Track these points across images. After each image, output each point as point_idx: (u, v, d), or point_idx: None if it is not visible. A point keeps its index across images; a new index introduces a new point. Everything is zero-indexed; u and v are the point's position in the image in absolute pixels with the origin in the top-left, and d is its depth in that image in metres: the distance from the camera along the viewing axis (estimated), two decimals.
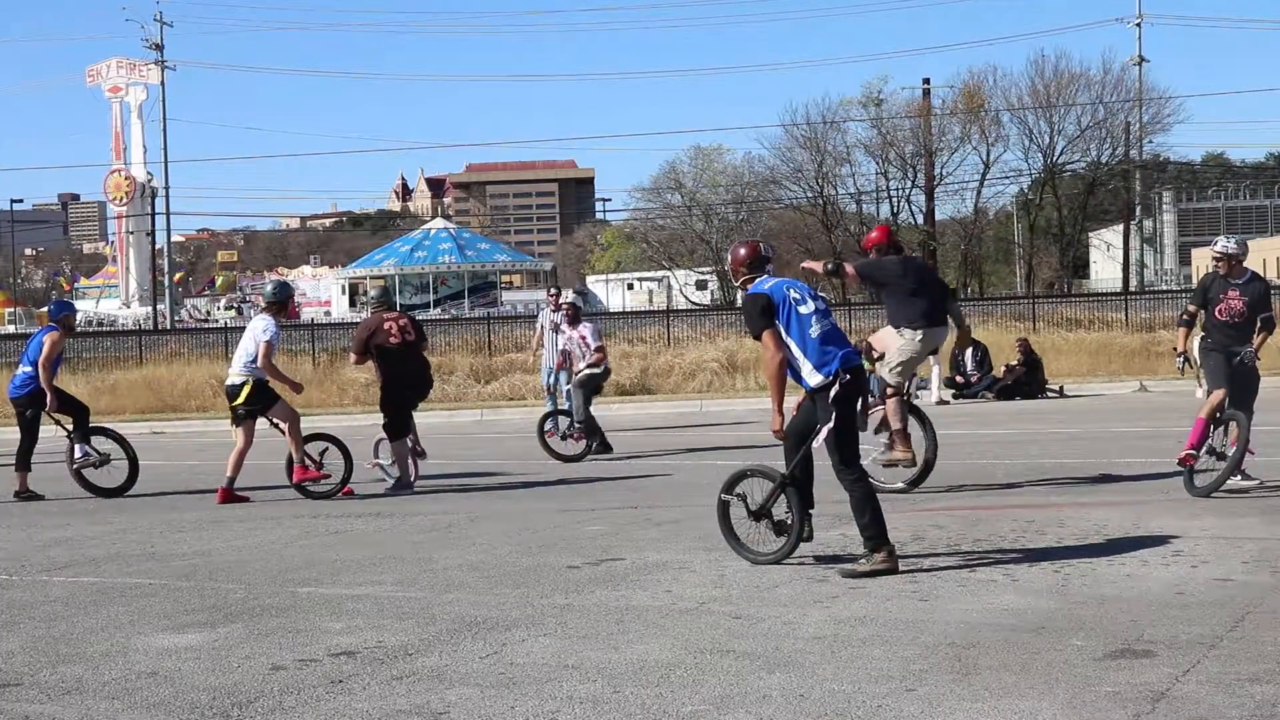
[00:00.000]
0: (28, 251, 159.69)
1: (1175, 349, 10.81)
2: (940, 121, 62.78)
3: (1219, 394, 10.48)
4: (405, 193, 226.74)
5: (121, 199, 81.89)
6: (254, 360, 12.51)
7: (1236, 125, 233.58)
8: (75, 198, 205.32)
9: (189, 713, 5.32)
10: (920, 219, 63.79)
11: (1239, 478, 10.51)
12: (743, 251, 8.20)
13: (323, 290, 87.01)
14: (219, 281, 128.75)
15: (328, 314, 71.08)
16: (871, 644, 6.01)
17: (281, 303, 13.05)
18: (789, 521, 7.99)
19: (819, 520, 9.80)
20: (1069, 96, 61.95)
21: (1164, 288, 60.90)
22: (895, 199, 63.43)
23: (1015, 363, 24.29)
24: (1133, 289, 54.89)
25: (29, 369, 13.68)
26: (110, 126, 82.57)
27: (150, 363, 31.22)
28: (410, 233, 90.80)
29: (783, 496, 7.99)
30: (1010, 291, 62.79)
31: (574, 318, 16.65)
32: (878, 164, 62.83)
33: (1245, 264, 10.67)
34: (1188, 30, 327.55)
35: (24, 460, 13.75)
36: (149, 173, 78.26)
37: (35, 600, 7.79)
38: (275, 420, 12.72)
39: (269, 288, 13.54)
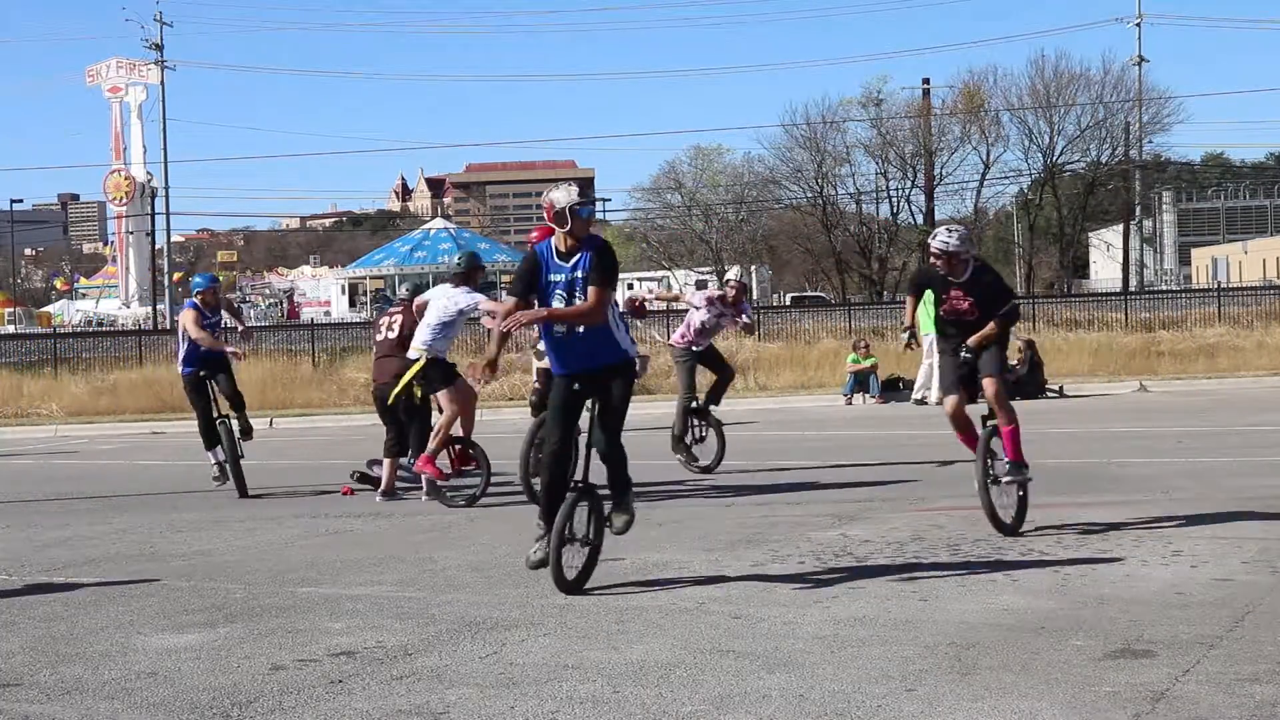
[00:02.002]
0: (28, 251, 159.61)
1: (903, 323, 9.84)
2: (940, 121, 62.83)
3: (951, 402, 9.40)
4: (405, 193, 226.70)
5: (121, 199, 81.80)
6: (433, 338, 11.83)
7: (1236, 125, 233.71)
8: (75, 198, 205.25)
9: (189, 713, 5.32)
10: (920, 219, 63.79)
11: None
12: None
13: (323, 290, 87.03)
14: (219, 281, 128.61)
15: (327, 314, 71.12)
16: (871, 644, 6.01)
17: (468, 273, 12.07)
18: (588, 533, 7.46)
19: (819, 520, 9.83)
20: (1069, 96, 62.00)
21: (1164, 288, 60.91)
22: (895, 199, 63.50)
23: (1015, 363, 24.29)
24: (1133, 289, 54.91)
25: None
26: (110, 126, 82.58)
27: (150, 363, 31.19)
28: (410, 233, 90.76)
29: (583, 503, 7.41)
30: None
31: (738, 299, 14.29)
32: (878, 164, 62.89)
33: (968, 259, 9.34)
34: (1188, 30, 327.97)
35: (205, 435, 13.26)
36: (149, 173, 78.20)
37: (35, 600, 7.79)
38: (439, 401, 12.13)
39: (459, 258, 12.47)
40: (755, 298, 65.21)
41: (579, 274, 7.30)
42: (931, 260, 9.51)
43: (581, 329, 7.31)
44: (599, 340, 7.39)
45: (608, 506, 7.57)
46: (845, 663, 5.71)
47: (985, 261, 9.75)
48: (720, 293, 14.01)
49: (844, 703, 5.14)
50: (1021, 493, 9.05)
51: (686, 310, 14.57)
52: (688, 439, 13.63)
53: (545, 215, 7.38)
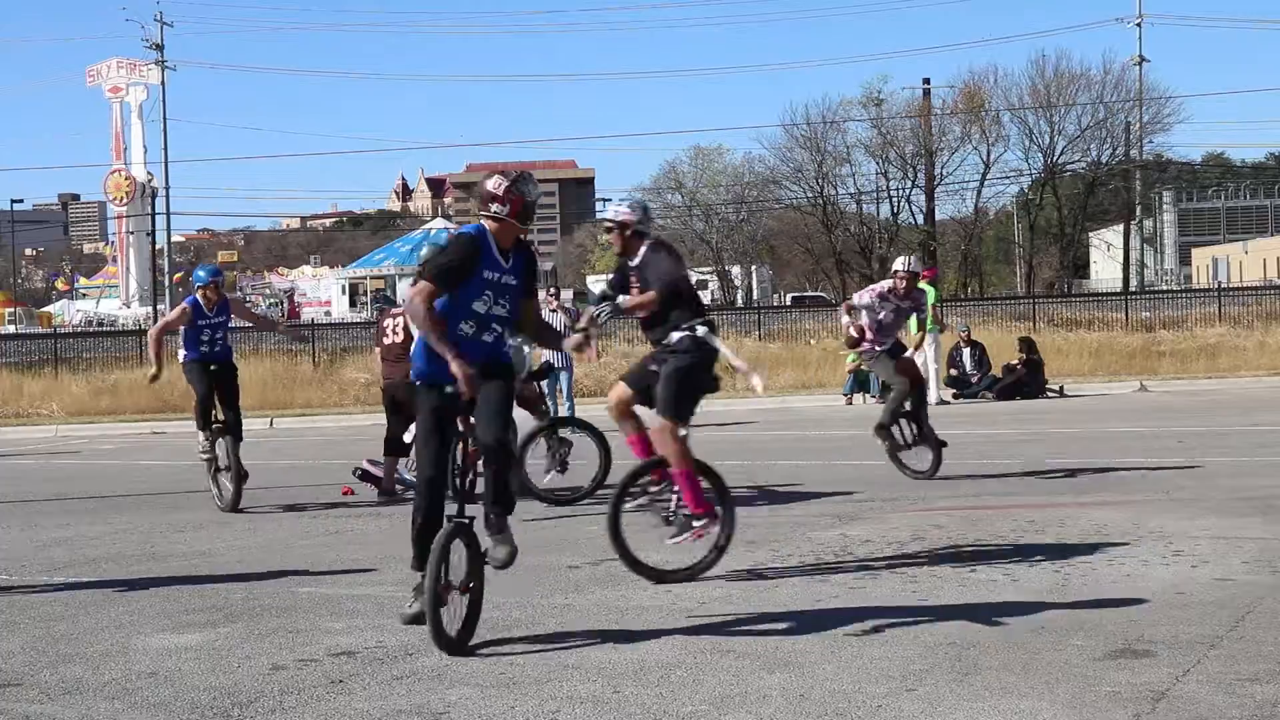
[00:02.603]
0: (28, 251, 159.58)
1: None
2: (940, 121, 62.87)
3: (614, 390, 8.27)
4: (405, 193, 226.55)
5: (121, 199, 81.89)
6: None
7: (1236, 125, 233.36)
8: (75, 198, 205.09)
9: (189, 713, 5.32)
10: (920, 219, 63.86)
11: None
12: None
13: (323, 290, 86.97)
14: None
15: (328, 314, 71.00)
16: (871, 644, 6.01)
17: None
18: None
19: (819, 520, 9.83)
20: (1069, 96, 62.04)
21: (1164, 288, 60.92)
22: (895, 199, 63.56)
23: (1016, 363, 24.30)
24: (1133, 289, 54.90)
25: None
26: (110, 126, 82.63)
27: (150, 363, 31.18)
28: (410, 233, 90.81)
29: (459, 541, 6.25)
30: (1010, 291, 62.81)
31: (910, 289, 12.70)
32: (878, 164, 62.94)
33: (643, 232, 8.11)
34: (1188, 30, 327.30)
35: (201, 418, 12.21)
36: (149, 173, 78.29)
37: (35, 600, 7.79)
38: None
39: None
40: (755, 298, 65.42)
41: (512, 280, 6.40)
42: (608, 240, 8.34)
43: (490, 339, 6.40)
44: (498, 347, 6.50)
45: (485, 542, 6.34)
46: (845, 663, 5.71)
47: (664, 241, 8.40)
48: (889, 285, 12.59)
49: (844, 703, 5.14)
50: (713, 554, 7.69)
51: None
52: (898, 435, 12.33)
53: (510, 209, 6.32)
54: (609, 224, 8.15)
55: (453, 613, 6.12)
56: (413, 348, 6.53)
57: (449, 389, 6.19)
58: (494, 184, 6.36)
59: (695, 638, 6.26)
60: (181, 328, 12.23)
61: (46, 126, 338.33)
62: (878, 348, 12.47)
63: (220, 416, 12.18)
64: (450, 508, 6.28)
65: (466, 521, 6.21)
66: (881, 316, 12.40)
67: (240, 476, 11.86)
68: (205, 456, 12.25)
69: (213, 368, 12.18)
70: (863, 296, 12.65)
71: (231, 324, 12.70)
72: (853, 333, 12.53)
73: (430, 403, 6.31)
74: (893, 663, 5.68)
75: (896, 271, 12.64)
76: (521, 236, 6.44)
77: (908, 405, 12.24)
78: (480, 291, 6.31)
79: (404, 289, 12.64)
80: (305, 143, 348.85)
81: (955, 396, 23.81)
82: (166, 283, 74.38)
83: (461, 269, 6.28)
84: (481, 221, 6.39)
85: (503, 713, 5.18)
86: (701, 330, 7.89)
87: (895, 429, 12.28)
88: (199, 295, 12.18)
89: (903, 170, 62.78)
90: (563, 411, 19.83)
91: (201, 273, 12.56)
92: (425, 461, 6.32)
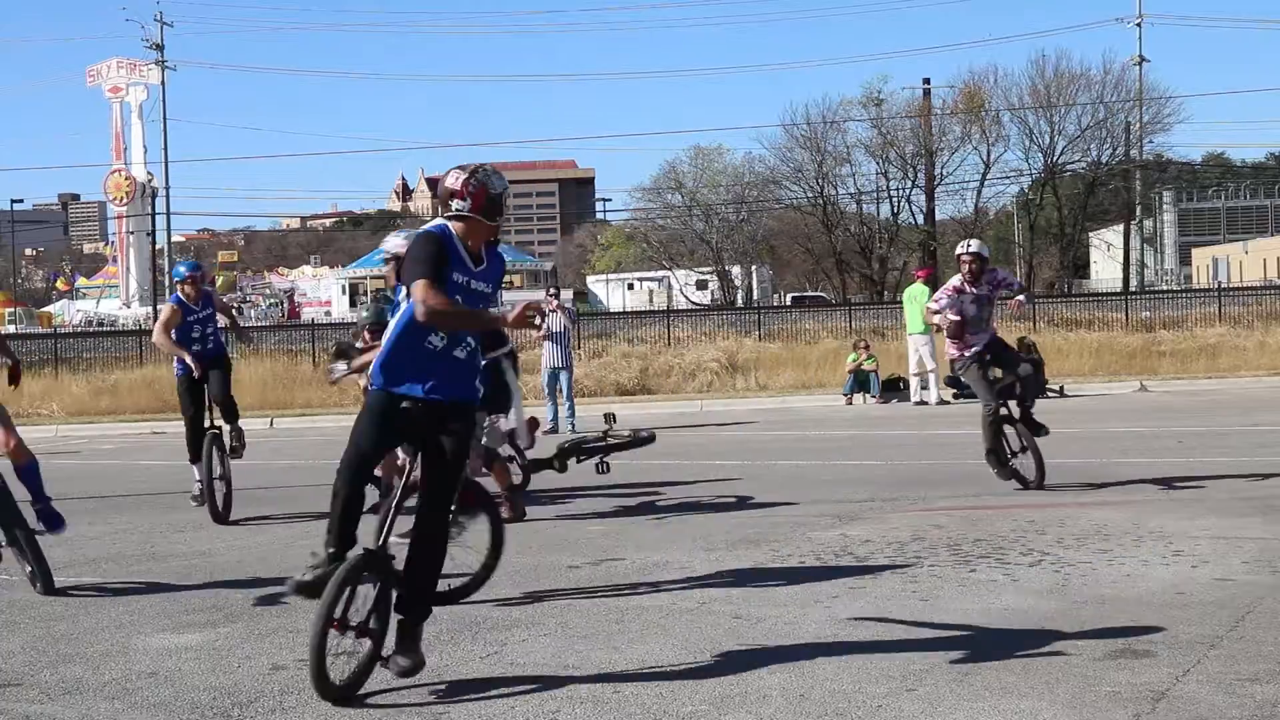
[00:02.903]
0: (28, 251, 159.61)
1: None
2: (940, 121, 62.84)
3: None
4: (405, 193, 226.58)
5: (122, 199, 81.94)
6: None
7: (1236, 125, 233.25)
8: (75, 198, 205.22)
9: (189, 713, 5.32)
10: (920, 219, 63.85)
11: None
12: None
13: (323, 290, 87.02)
14: (219, 281, 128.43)
15: (328, 314, 71.10)
16: (871, 644, 6.01)
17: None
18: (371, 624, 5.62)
19: (819, 520, 9.82)
20: (1069, 96, 62.03)
21: (1164, 288, 60.90)
22: (895, 199, 63.52)
23: None
24: (1133, 289, 54.89)
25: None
26: (110, 126, 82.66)
27: (150, 363, 31.19)
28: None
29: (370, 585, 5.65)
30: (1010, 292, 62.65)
31: (979, 273, 11.78)
32: (878, 164, 62.91)
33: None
34: (1188, 30, 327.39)
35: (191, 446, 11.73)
36: (149, 173, 78.36)
37: (35, 600, 7.79)
38: None
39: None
40: (755, 298, 65.45)
41: (484, 286, 5.80)
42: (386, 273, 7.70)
43: (463, 355, 5.80)
44: (472, 366, 5.86)
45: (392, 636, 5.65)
46: (845, 663, 5.71)
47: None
48: (958, 279, 11.70)
49: (844, 703, 5.14)
50: (482, 573, 7.09)
51: None
52: (1005, 455, 11.45)
53: (473, 203, 5.69)
54: (386, 256, 8.12)
55: (344, 656, 5.48)
56: (374, 363, 6.00)
57: (405, 404, 5.75)
58: (453, 179, 5.76)
59: (695, 638, 6.26)
60: (173, 330, 11.70)
61: (46, 126, 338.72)
62: (967, 353, 11.59)
63: (218, 422, 11.65)
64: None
65: (386, 556, 5.67)
66: (964, 312, 11.56)
67: (228, 477, 11.36)
68: (196, 505, 11.49)
69: (196, 375, 11.56)
70: (940, 300, 11.83)
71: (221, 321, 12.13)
72: (952, 316, 11.58)
73: (382, 403, 5.83)
74: (893, 663, 5.68)
75: (960, 257, 11.85)
76: (493, 237, 5.85)
77: (1004, 413, 11.38)
78: (450, 296, 5.59)
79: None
80: (305, 143, 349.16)
81: (955, 396, 23.78)
82: (166, 283, 74.27)
83: (439, 267, 5.62)
84: (444, 222, 5.79)
85: (503, 713, 5.18)
86: (504, 362, 8.64)
87: (1005, 448, 11.43)
88: (180, 291, 11.79)
89: (903, 170, 62.79)
90: (563, 413, 19.88)
91: (181, 268, 12.10)
92: (368, 437, 5.82)
